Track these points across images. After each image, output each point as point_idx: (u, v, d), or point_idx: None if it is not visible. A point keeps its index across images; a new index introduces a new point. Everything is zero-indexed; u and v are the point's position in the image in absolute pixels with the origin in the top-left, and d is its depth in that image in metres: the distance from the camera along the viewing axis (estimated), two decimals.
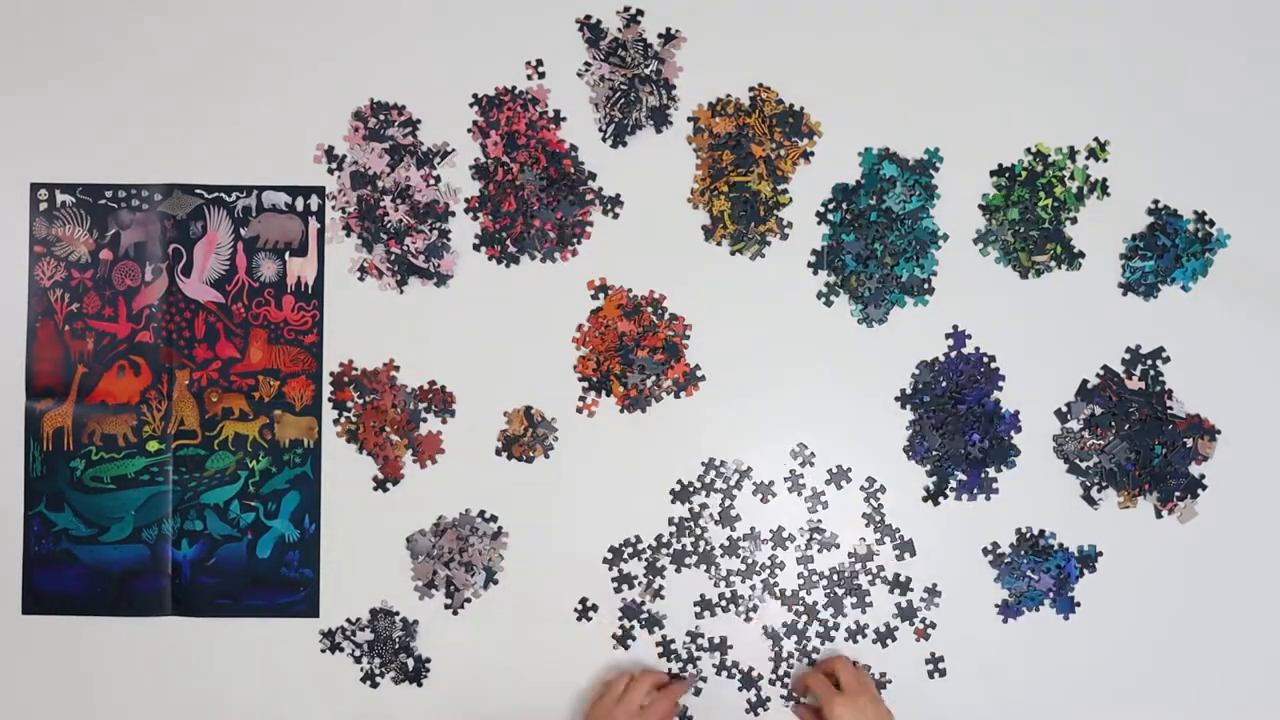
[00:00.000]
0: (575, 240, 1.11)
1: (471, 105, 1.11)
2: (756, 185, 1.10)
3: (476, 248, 1.11)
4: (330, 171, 1.12)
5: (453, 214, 1.11)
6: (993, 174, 1.11)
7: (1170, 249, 1.11)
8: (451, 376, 1.11)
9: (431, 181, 1.11)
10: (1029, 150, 1.11)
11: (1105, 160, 1.11)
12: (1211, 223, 1.11)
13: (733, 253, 1.11)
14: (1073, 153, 1.11)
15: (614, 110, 1.10)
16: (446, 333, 1.11)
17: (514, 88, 1.11)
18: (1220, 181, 1.11)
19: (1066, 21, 1.12)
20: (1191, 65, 1.12)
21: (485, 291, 1.11)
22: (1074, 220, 1.11)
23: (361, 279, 1.11)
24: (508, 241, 1.11)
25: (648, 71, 1.11)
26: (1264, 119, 1.12)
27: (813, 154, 1.11)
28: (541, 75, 1.11)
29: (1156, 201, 1.11)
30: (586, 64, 1.11)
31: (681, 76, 1.11)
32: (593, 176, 1.11)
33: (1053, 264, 1.11)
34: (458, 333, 1.11)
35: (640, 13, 1.11)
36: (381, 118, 1.11)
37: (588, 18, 1.11)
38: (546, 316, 1.11)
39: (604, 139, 1.11)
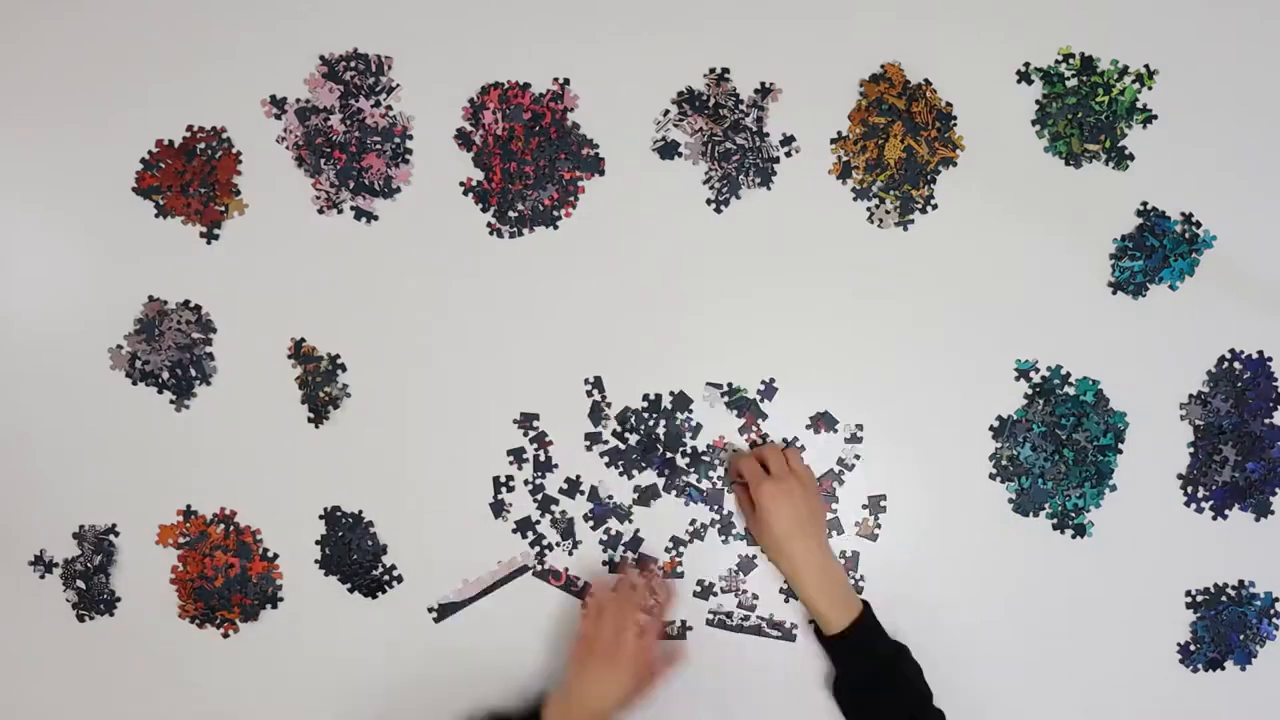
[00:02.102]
0: (572, 199, 1.13)
1: (482, 92, 1.14)
2: (916, 147, 1.13)
3: (482, 205, 1.14)
4: (277, 117, 1.13)
5: (410, 136, 1.13)
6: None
7: (1158, 249, 1.14)
8: None
9: (385, 110, 1.13)
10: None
11: (1151, 88, 1.14)
12: (1198, 224, 1.14)
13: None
14: (1123, 72, 1.14)
15: (721, 163, 1.13)
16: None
17: (528, 84, 1.14)
18: (1206, 184, 1.14)
19: (1059, 28, 1.15)
20: (1178, 70, 1.15)
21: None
22: (1124, 132, 1.14)
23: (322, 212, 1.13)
24: (508, 211, 1.13)
25: (747, 122, 1.13)
26: (1249, 123, 1.15)
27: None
28: (566, 82, 1.13)
29: (1145, 203, 1.15)
30: (691, 122, 1.14)
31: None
32: (592, 144, 1.14)
33: (1101, 155, 1.14)
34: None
35: (727, 71, 1.14)
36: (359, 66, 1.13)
37: (687, 89, 1.13)
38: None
39: (715, 198, 1.14)
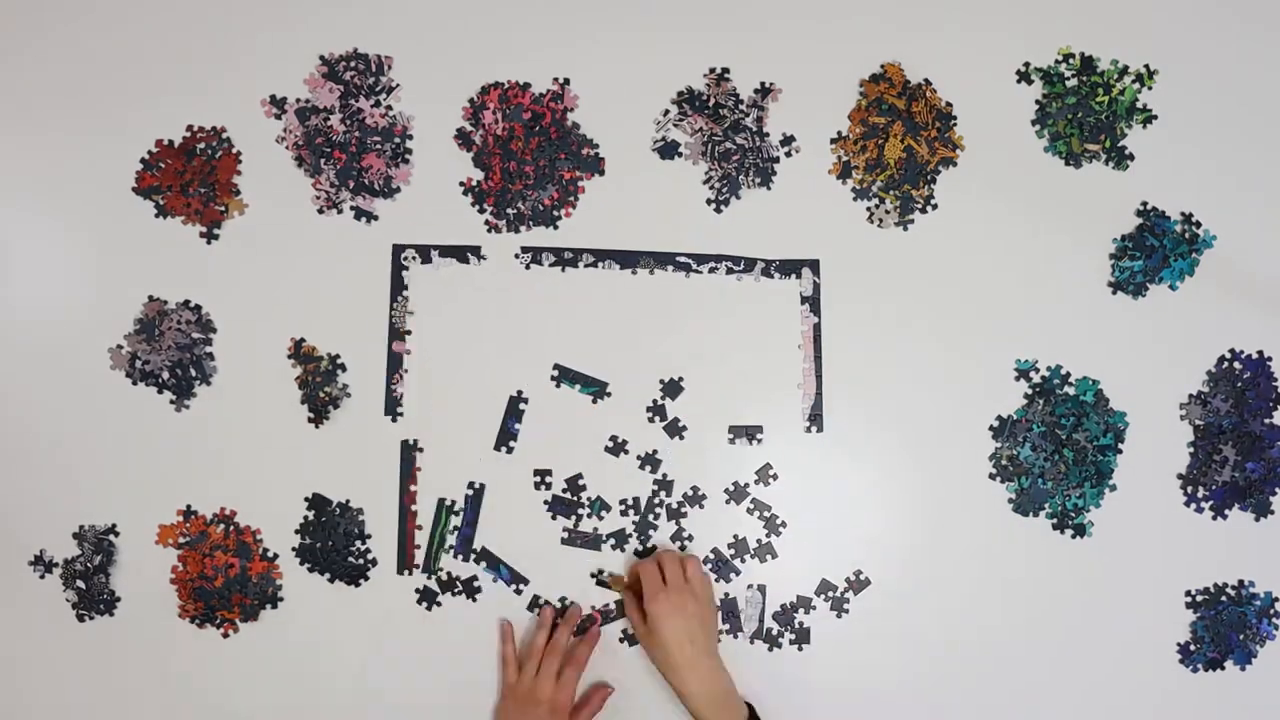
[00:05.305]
0: (572, 199, 1.13)
1: (482, 92, 1.14)
2: (916, 147, 1.13)
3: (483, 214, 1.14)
4: (277, 117, 1.14)
5: (410, 136, 1.14)
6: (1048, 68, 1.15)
7: (1158, 249, 1.14)
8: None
9: (385, 109, 1.14)
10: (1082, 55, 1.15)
11: (1150, 88, 1.15)
12: (1198, 224, 1.14)
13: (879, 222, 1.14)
14: (1123, 72, 1.15)
15: (722, 163, 1.13)
16: None
17: (528, 84, 1.14)
18: (1206, 184, 1.15)
19: (1059, 28, 1.15)
20: (1178, 70, 1.15)
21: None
22: (1124, 132, 1.14)
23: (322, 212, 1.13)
24: (508, 209, 1.13)
25: (747, 122, 1.14)
26: (1249, 123, 1.15)
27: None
28: (566, 82, 1.14)
29: (1145, 203, 1.15)
30: (691, 122, 1.14)
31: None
32: (592, 144, 1.14)
33: (1101, 155, 1.14)
34: None
35: (727, 71, 1.14)
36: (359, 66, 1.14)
37: (687, 89, 1.14)
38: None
39: (715, 198, 1.14)
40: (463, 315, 1.14)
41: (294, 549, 1.13)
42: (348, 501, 1.13)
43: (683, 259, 1.13)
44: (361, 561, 1.13)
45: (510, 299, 1.14)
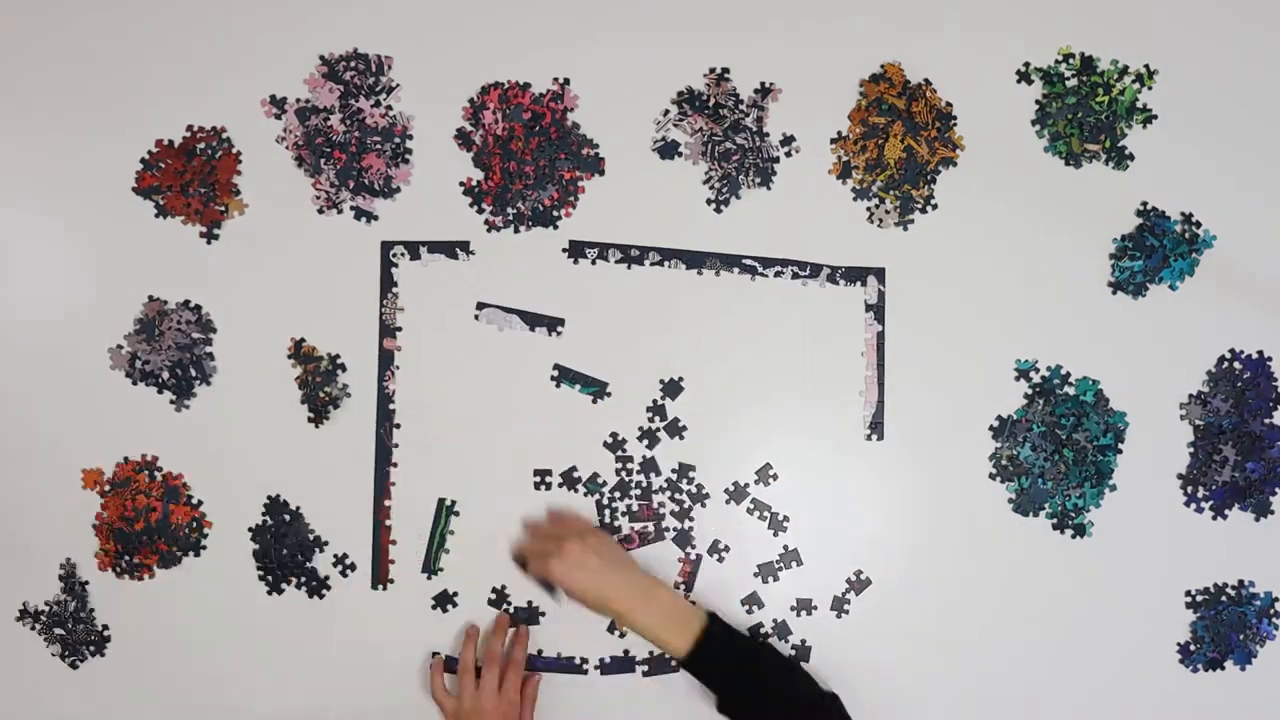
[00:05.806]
0: (572, 199, 1.13)
1: (482, 92, 1.14)
2: (916, 147, 1.13)
3: (478, 206, 1.14)
4: (277, 117, 1.13)
5: (410, 136, 1.13)
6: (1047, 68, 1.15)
7: (1158, 249, 1.14)
8: None
9: (385, 109, 1.13)
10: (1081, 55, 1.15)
11: (1150, 88, 1.15)
12: (1198, 224, 1.14)
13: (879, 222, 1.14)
14: (1123, 72, 1.15)
15: (722, 163, 1.13)
16: None
17: (528, 84, 1.14)
18: (1206, 184, 1.15)
19: (1059, 28, 1.15)
20: (1178, 70, 1.15)
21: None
22: (1124, 132, 1.14)
23: (322, 212, 1.13)
24: (507, 209, 1.13)
25: (747, 122, 1.14)
26: (1249, 123, 1.15)
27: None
28: (566, 82, 1.14)
29: (1145, 203, 1.15)
30: (691, 122, 1.14)
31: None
32: (592, 145, 1.14)
33: (1101, 155, 1.14)
34: None
35: (727, 71, 1.14)
36: (358, 66, 1.13)
37: (687, 89, 1.14)
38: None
39: (715, 198, 1.14)
40: (462, 312, 1.14)
41: (254, 553, 1.13)
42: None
43: (749, 261, 1.13)
44: (341, 567, 1.13)
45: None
